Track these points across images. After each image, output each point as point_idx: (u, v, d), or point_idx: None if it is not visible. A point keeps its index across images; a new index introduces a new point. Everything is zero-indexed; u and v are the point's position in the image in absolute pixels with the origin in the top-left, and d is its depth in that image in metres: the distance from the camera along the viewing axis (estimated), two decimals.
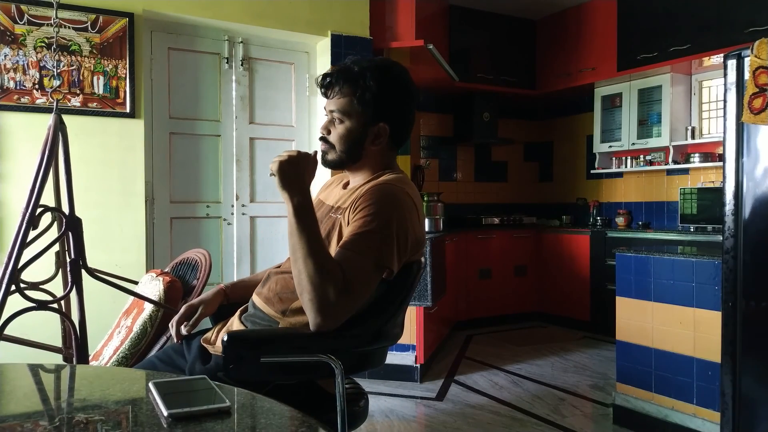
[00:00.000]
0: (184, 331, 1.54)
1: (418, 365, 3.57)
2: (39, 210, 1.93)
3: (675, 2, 4.38)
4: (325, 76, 1.47)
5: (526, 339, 4.77)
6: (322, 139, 1.49)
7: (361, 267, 1.28)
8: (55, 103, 2.12)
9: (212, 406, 0.91)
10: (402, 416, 3.01)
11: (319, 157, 1.43)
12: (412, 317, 3.57)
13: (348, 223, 1.37)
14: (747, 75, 2.16)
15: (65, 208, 2.02)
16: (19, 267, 1.87)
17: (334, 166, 1.49)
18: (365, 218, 1.32)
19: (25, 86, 2.92)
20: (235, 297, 1.63)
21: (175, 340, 1.56)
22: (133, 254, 3.15)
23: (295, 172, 1.30)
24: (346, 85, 1.44)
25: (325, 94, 1.48)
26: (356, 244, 1.29)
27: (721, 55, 3.03)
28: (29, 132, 2.90)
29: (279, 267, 1.56)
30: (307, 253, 1.25)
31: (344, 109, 1.44)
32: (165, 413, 0.88)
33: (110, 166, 3.11)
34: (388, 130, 1.46)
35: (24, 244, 1.90)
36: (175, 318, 1.55)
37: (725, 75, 2.27)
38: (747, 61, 2.17)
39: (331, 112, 1.46)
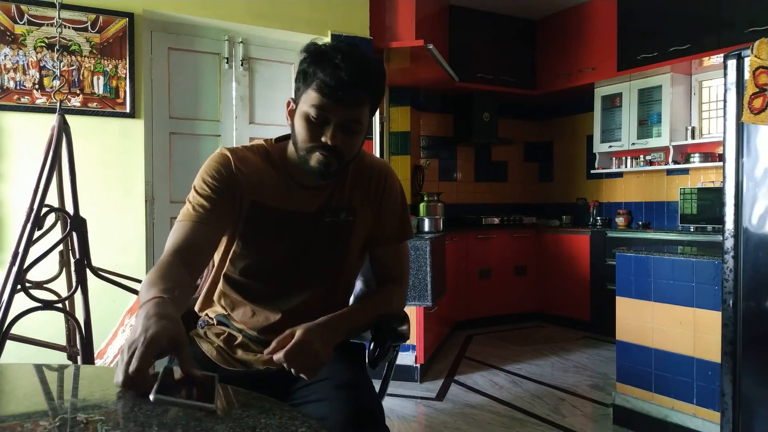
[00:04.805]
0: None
1: (418, 365, 3.57)
2: (44, 210, 1.94)
3: (675, 2, 4.38)
4: (355, 82, 1.22)
5: (526, 339, 4.77)
6: (332, 149, 1.25)
7: (407, 251, 1.50)
8: (58, 104, 2.12)
9: (197, 403, 0.88)
10: (402, 416, 3.01)
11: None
12: (412, 317, 3.57)
13: (373, 215, 1.42)
14: (747, 75, 2.16)
15: (69, 208, 2.03)
16: (24, 267, 1.87)
17: (331, 177, 1.33)
18: (395, 208, 1.45)
19: (25, 86, 2.92)
20: (181, 308, 1.15)
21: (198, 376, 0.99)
22: (133, 254, 3.15)
23: (311, 356, 1.16)
24: (369, 93, 1.27)
25: (343, 100, 1.23)
26: (404, 234, 1.47)
27: (721, 55, 3.03)
28: (29, 132, 2.90)
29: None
30: (374, 317, 1.38)
31: (363, 120, 1.29)
32: (152, 396, 0.87)
33: (110, 166, 3.11)
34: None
35: (29, 244, 1.90)
36: (183, 361, 0.95)
37: (725, 75, 2.27)
38: (747, 61, 2.17)
39: (352, 122, 1.26)
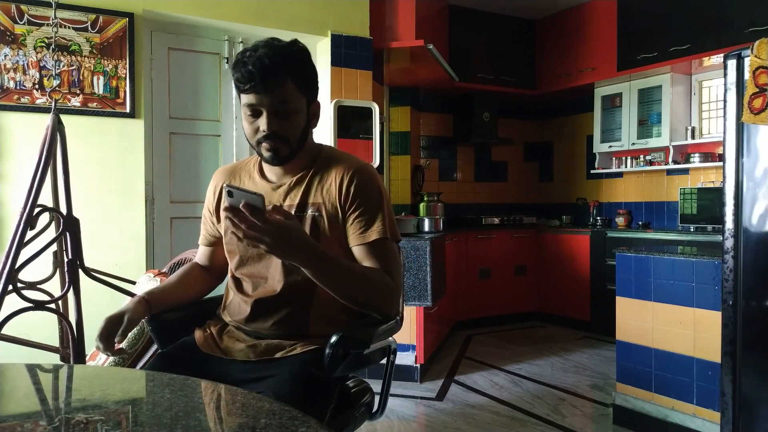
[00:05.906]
0: (119, 344, 1.41)
1: (418, 365, 3.57)
2: (37, 210, 1.93)
3: (675, 2, 4.38)
4: (263, 68, 1.30)
5: (526, 339, 4.77)
6: (273, 136, 1.35)
7: (392, 251, 1.43)
8: (53, 103, 2.11)
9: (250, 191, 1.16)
10: (402, 416, 3.01)
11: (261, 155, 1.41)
12: (412, 317, 3.57)
13: (343, 214, 1.40)
14: (747, 75, 2.16)
15: (63, 209, 2.02)
16: (16, 267, 1.87)
17: (286, 161, 1.42)
18: (369, 205, 1.40)
19: (25, 86, 2.92)
20: (159, 306, 1.50)
21: (111, 354, 1.43)
22: (133, 254, 3.15)
23: (287, 243, 1.21)
24: (287, 73, 1.33)
25: (260, 88, 1.32)
26: (377, 233, 1.39)
27: (721, 55, 3.03)
28: (29, 132, 2.90)
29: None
30: (354, 285, 1.33)
31: (292, 99, 1.35)
32: (226, 186, 1.17)
33: (110, 166, 3.11)
34: (320, 105, 1.47)
35: (21, 244, 1.90)
36: (99, 334, 1.39)
37: (725, 75, 2.27)
38: (747, 61, 2.17)
39: (282, 103, 1.34)
